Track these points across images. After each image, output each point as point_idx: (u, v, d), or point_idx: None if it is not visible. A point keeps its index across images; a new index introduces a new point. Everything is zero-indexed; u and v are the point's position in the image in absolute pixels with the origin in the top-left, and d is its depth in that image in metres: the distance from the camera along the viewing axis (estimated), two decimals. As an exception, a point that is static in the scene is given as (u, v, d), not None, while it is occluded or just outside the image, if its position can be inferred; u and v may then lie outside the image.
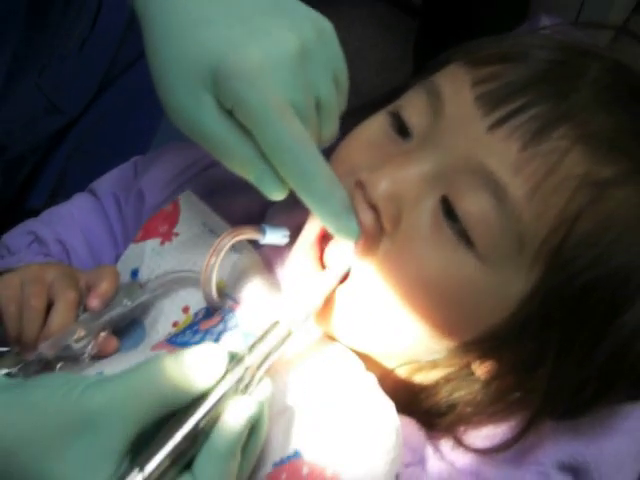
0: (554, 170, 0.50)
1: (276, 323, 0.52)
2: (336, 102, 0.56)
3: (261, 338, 0.52)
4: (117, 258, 0.70)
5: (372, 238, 0.54)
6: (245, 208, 0.69)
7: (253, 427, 0.49)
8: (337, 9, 2.26)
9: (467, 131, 0.52)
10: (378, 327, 0.56)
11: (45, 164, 0.94)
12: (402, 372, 0.59)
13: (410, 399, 0.59)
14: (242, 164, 0.52)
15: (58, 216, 0.74)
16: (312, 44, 0.54)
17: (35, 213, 0.79)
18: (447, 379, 0.58)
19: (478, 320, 0.54)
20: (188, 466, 0.47)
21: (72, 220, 0.73)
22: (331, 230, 0.53)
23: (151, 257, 0.66)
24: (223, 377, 0.48)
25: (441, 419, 0.59)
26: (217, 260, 0.57)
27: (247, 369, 0.49)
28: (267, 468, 0.52)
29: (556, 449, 0.57)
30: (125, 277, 0.66)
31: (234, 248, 0.61)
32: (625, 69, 0.56)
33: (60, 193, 0.94)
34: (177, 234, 0.67)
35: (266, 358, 0.51)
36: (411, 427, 0.59)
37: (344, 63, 0.57)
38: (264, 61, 0.51)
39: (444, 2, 1.79)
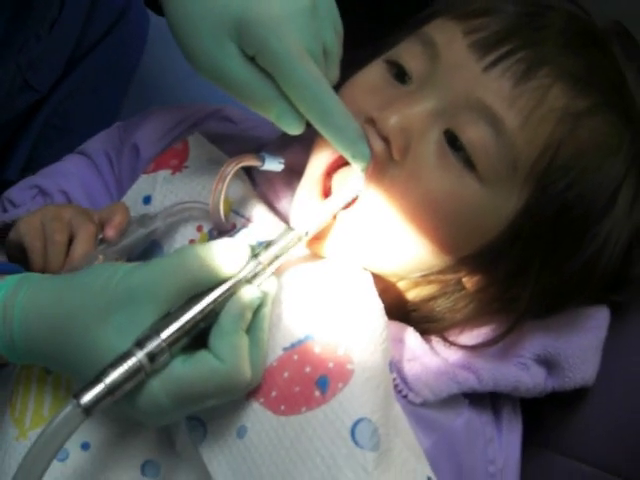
0: (541, 103, 0.60)
1: (288, 229, 0.61)
2: (338, 49, 0.65)
3: (274, 241, 0.60)
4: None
5: (382, 164, 0.62)
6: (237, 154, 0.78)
7: (256, 311, 0.57)
8: None
9: (464, 72, 0.62)
10: (382, 246, 0.64)
11: (18, 139, 1.00)
12: (399, 287, 0.68)
13: (406, 310, 0.68)
14: (263, 104, 0.61)
15: (57, 171, 0.81)
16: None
17: (10, 184, 0.85)
18: (440, 292, 0.67)
19: (475, 237, 0.63)
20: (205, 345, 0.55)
21: (70, 174, 0.80)
22: (347, 155, 0.62)
23: (162, 185, 0.73)
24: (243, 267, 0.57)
25: (434, 324, 0.69)
26: (223, 186, 0.65)
27: (259, 264, 0.58)
28: (277, 353, 0.60)
29: (533, 344, 0.67)
30: (137, 204, 0.73)
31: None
32: (582, 19, 0.67)
33: (32, 167, 1.00)
34: (187, 167, 0.74)
35: (276, 257, 0.59)
36: (407, 329, 0.68)
37: (339, 16, 0.66)
38: (283, 12, 0.59)
39: None
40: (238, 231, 0.67)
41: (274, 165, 0.68)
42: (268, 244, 0.60)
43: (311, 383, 0.59)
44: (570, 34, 0.65)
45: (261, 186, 0.74)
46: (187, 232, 0.70)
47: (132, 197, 0.74)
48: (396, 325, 0.67)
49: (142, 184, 0.74)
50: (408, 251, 0.64)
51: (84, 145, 0.85)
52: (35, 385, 0.66)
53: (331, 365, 0.59)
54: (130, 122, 0.84)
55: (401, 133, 0.62)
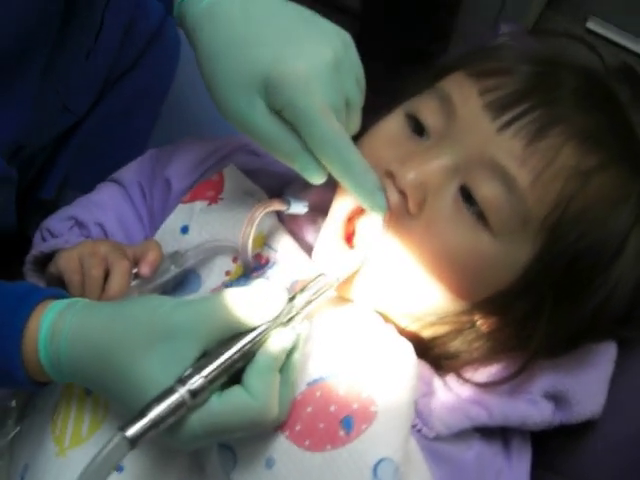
0: (552, 162, 0.64)
1: (321, 275, 0.65)
2: (360, 100, 0.69)
3: (308, 286, 0.64)
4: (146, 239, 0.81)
5: (398, 216, 0.67)
6: (265, 187, 0.82)
7: (290, 352, 0.61)
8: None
9: (479, 132, 0.66)
10: (401, 292, 0.69)
11: (54, 160, 1.04)
12: (415, 327, 0.72)
13: (422, 347, 0.72)
14: (289, 156, 0.66)
15: (93, 202, 0.85)
16: (341, 54, 0.67)
17: (46, 204, 0.89)
18: (456, 332, 0.71)
19: (490, 285, 0.67)
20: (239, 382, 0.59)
21: (106, 205, 0.85)
22: (365, 206, 0.66)
23: (199, 215, 0.77)
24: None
25: (448, 362, 0.73)
26: (252, 229, 0.70)
27: (294, 307, 0.62)
28: (301, 387, 0.65)
29: (542, 381, 0.71)
30: (175, 233, 0.78)
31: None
32: (593, 75, 0.70)
33: (68, 185, 1.04)
34: (222, 198, 0.79)
35: (309, 302, 0.64)
36: (423, 365, 0.72)
37: (361, 65, 0.70)
38: (308, 71, 0.64)
39: (381, 9, 1.94)
40: (270, 267, 0.72)
41: (299, 208, 0.72)
42: (302, 289, 0.64)
43: (336, 422, 0.63)
44: (582, 93, 0.68)
45: (288, 221, 0.78)
46: (223, 263, 0.75)
47: (170, 226, 0.79)
48: (418, 361, 0.71)
49: (179, 213, 0.79)
50: (426, 297, 0.68)
51: (118, 173, 0.89)
52: (75, 405, 0.71)
53: (355, 406, 0.64)
54: (163, 152, 0.88)
55: (418, 188, 0.66)
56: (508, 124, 0.65)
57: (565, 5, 2.14)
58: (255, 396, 0.58)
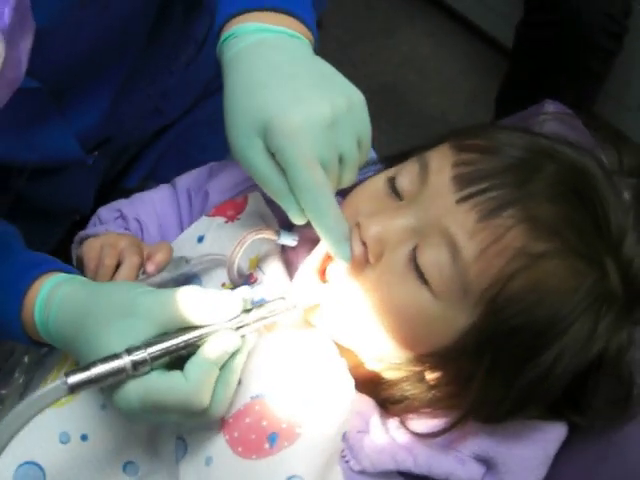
0: (498, 240, 0.67)
1: (282, 298, 0.72)
2: (356, 158, 0.74)
3: (267, 303, 0.71)
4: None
5: (359, 264, 0.73)
6: (281, 217, 0.88)
7: (232, 355, 0.68)
8: (437, 40, 2.43)
9: (442, 200, 0.70)
10: (355, 330, 0.75)
11: (143, 154, 1.16)
12: (368, 366, 0.78)
13: (372, 387, 0.77)
14: (276, 194, 0.73)
15: (142, 200, 0.96)
16: (342, 113, 0.72)
17: (128, 192, 1.01)
18: (405, 378, 0.76)
19: (429, 339, 0.72)
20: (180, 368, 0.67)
21: (152, 205, 0.95)
22: (331, 252, 0.73)
23: (215, 229, 0.86)
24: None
25: (393, 406, 0.77)
26: (240, 250, 0.77)
27: (246, 319, 0.69)
28: (246, 399, 0.72)
29: (474, 443, 0.74)
30: (192, 240, 0.86)
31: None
32: (577, 172, 0.72)
33: (151, 178, 1.17)
34: (238, 219, 0.87)
35: (263, 318, 0.70)
36: (367, 403, 0.77)
37: (368, 129, 0.75)
38: (302, 123, 0.70)
39: (533, 56, 1.94)
40: (252, 285, 0.79)
41: (288, 241, 0.79)
42: (260, 305, 0.71)
43: (264, 436, 0.70)
44: (555, 182, 0.70)
45: (289, 250, 0.85)
46: (221, 275, 0.82)
47: (190, 234, 0.88)
48: (361, 398, 0.77)
49: (200, 225, 0.88)
50: (374, 340, 0.74)
51: (178, 178, 0.99)
52: (65, 367, 0.81)
53: (284, 425, 0.71)
54: (217, 166, 0.97)
55: (377, 242, 0.71)
56: (467, 197, 0.69)
57: None
58: (188, 380, 0.66)
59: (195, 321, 0.67)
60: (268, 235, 0.78)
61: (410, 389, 0.75)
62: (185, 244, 0.87)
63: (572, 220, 0.69)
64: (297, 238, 0.79)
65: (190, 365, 0.66)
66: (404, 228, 0.71)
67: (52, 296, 0.72)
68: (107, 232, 0.89)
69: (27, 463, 0.76)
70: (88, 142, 1.02)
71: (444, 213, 0.70)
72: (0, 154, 0.96)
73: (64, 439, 0.76)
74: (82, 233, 0.93)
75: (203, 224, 0.87)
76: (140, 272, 0.83)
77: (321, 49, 0.81)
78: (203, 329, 0.68)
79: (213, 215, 0.88)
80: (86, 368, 0.65)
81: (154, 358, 0.66)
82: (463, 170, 0.70)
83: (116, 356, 0.65)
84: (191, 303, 0.67)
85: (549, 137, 0.75)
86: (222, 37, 0.77)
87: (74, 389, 0.64)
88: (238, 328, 0.69)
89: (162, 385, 0.66)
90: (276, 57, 0.75)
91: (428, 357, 0.73)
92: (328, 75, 0.75)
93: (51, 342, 0.74)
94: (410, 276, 0.70)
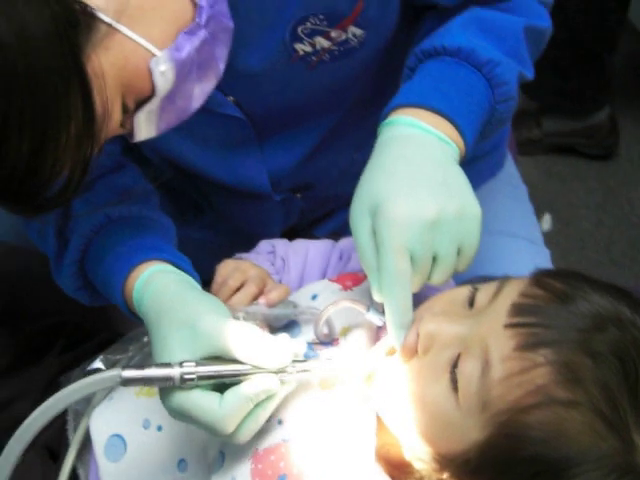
0: (524, 372, 0.69)
1: (327, 360, 0.78)
2: (451, 262, 0.79)
3: (312, 359, 0.78)
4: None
5: (409, 352, 0.77)
6: None
7: (268, 398, 0.75)
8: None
9: (494, 321, 0.73)
10: (394, 411, 0.79)
11: (340, 209, 1.24)
12: (403, 450, 0.80)
13: (398, 470, 0.80)
14: (367, 268, 0.79)
15: (298, 245, 1.05)
16: (448, 218, 0.77)
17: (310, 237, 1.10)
18: (425, 471, 0.78)
19: (444, 442, 0.74)
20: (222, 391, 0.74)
21: (304, 252, 1.04)
22: (389, 334, 0.79)
23: (329, 293, 0.93)
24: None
25: None
26: (331, 310, 0.84)
27: (291, 368, 0.76)
28: (277, 440, 0.78)
29: None
30: (307, 295, 0.94)
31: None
32: (637, 348, 0.70)
33: (340, 234, 1.24)
34: (352, 290, 0.93)
35: (305, 371, 0.77)
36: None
37: (474, 240, 0.79)
38: (404, 214, 0.76)
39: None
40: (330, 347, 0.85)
41: (375, 319, 0.83)
42: (305, 360, 0.78)
43: (277, 474, 0.77)
44: (596, 340, 0.69)
45: (382, 331, 0.88)
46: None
47: (309, 289, 0.96)
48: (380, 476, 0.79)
49: (320, 285, 0.95)
50: (405, 425, 0.77)
51: (343, 238, 1.06)
52: None
53: (295, 471, 0.77)
54: None
55: (428, 338, 0.76)
56: (515, 325, 0.71)
57: None
58: (222, 407, 0.73)
59: (241, 358, 0.75)
60: (358, 307, 0.83)
61: None
62: (302, 296, 0.94)
63: (604, 380, 0.68)
64: (384, 319, 0.82)
65: (228, 394, 0.74)
66: (455, 334, 0.75)
67: (149, 282, 0.83)
68: (246, 259, 0.99)
69: (116, 435, 0.90)
70: (281, 181, 1.13)
71: (491, 332, 0.72)
72: (200, 167, 1.10)
73: (146, 425, 0.89)
74: (240, 254, 1.03)
75: (322, 285, 0.95)
76: (255, 302, 0.91)
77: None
78: (249, 366, 0.74)
79: (334, 281, 0.95)
80: (141, 367, 0.74)
81: (200, 377, 0.74)
82: (524, 300, 0.72)
83: (170, 365, 0.74)
84: (242, 341, 0.75)
85: (636, 308, 0.73)
86: (385, 121, 0.85)
87: (126, 382, 0.74)
88: (280, 373, 0.75)
89: (198, 403, 0.74)
90: (413, 153, 0.81)
91: (443, 458, 0.75)
92: (452, 183, 0.80)
93: (142, 319, 0.85)
94: (445, 378, 0.73)
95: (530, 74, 0.96)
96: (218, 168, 1.10)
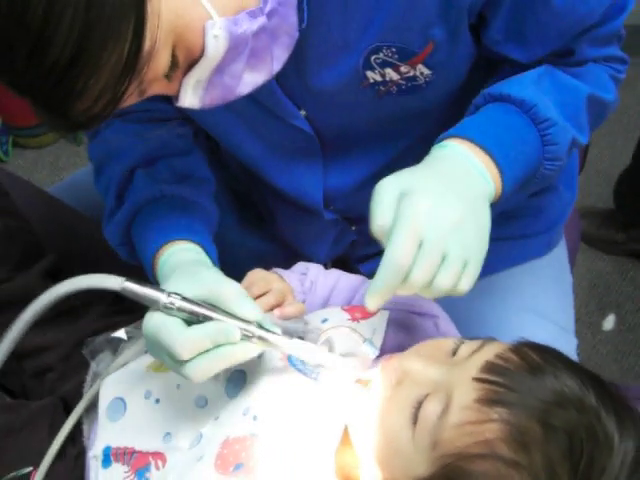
0: (477, 423, 0.74)
1: (299, 338, 0.89)
2: (458, 266, 0.81)
3: (275, 334, 0.84)
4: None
5: (388, 379, 0.84)
6: (394, 343, 0.99)
7: (225, 345, 0.80)
8: None
9: (466, 372, 0.78)
10: (361, 426, 0.85)
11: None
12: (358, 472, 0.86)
13: None
14: (377, 236, 0.84)
15: (331, 273, 1.12)
16: (467, 227, 0.81)
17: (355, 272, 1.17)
18: None
19: (395, 470, 0.80)
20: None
21: (334, 280, 1.10)
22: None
23: (338, 319, 0.99)
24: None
25: None
26: (329, 332, 0.92)
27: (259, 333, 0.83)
28: (245, 432, 0.85)
29: None
30: (318, 319, 1.00)
31: None
32: (595, 437, 0.73)
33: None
34: (359, 322, 0.99)
35: (265, 340, 0.83)
36: None
37: (481, 261, 0.83)
38: (432, 206, 0.80)
39: None
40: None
41: (369, 351, 0.91)
42: (272, 332, 0.84)
43: (236, 462, 0.83)
44: (560, 422, 0.73)
45: None
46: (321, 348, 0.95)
47: (321, 312, 1.02)
48: None
49: (332, 311, 1.02)
50: (366, 441, 0.83)
51: None
52: None
53: (251, 464, 0.83)
54: None
55: (404, 373, 0.83)
56: (482, 381, 0.77)
57: None
58: (184, 333, 0.79)
59: (218, 304, 0.82)
60: (356, 336, 0.89)
61: None
62: (314, 317, 1.01)
63: (549, 452, 0.72)
64: (377, 353, 0.88)
65: (193, 327, 0.81)
66: (429, 377, 0.81)
67: (171, 260, 0.95)
68: (277, 272, 1.07)
69: (119, 398, 0.99)
70: (334, 200, 1.20)
71: (460, 382, 0.78)
72: (266, 171, 1.20)
73: (147, 395, 0.97)
74: (273, 269, 1.11)
75: (334, 312, 1.01)
76: (270, 313, 0.98)
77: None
78: (224, 316, 0.82)
79: (345, 310, 1.01)
80: (142, 284, 0.82)
81: (179, 309, 0.81)
82: (497, 361, 0.78)
83: (162, 292, 0.82)
84: (228, 291, 0.83)
85: (604, 399, 0.76)
86: (438, 144, 0.92)
87: (125, 290, 0.82)
88: (244, 330, 0.82)
89: (167, 325, 0.80)
90: (455, 171, 0.87)
91: None
92: (478, 210, 0.85)
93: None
94: (408, 411, 0.79)
95: (585, 140, 1.01)
96: (280, 174, 1.18)
